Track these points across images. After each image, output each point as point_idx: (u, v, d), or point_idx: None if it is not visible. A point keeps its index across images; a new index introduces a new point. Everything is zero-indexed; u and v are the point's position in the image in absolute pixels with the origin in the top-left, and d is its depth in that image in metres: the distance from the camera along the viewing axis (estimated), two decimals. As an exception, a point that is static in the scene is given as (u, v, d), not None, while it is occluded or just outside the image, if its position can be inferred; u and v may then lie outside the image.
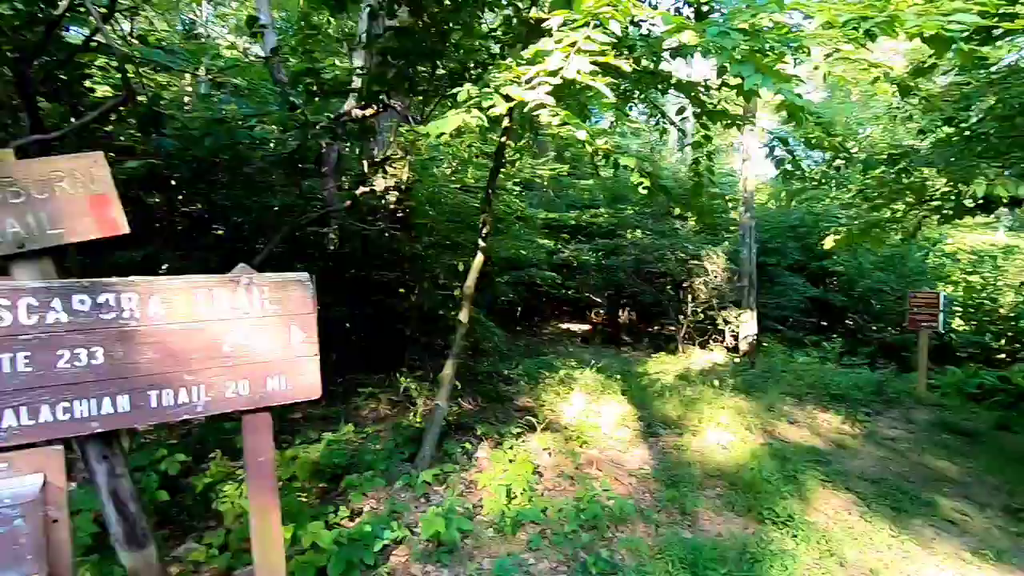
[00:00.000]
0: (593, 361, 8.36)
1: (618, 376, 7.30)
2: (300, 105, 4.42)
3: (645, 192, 3.26)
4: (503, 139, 4.03)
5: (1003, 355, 11.14)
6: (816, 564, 3.32)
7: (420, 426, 4.50)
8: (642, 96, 4.84)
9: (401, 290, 5.69)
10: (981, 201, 5.27)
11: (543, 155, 12.25)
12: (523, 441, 4.66)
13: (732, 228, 11.04)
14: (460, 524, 3.18)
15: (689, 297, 9.84)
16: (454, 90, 2.29)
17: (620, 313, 14.66)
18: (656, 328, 12.77)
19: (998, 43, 3.03)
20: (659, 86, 4.21)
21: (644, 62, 3.70)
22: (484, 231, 4.17)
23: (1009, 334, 11.01)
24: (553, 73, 1.96)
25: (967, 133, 5.12)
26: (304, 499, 3.62)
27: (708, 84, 3.47)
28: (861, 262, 11.32)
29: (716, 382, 7.41)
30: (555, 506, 3.62)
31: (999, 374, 9.55)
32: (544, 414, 5.73)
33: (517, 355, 8.76)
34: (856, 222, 6.23)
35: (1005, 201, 4.05)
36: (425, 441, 4.13)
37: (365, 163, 4.89)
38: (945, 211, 5.22)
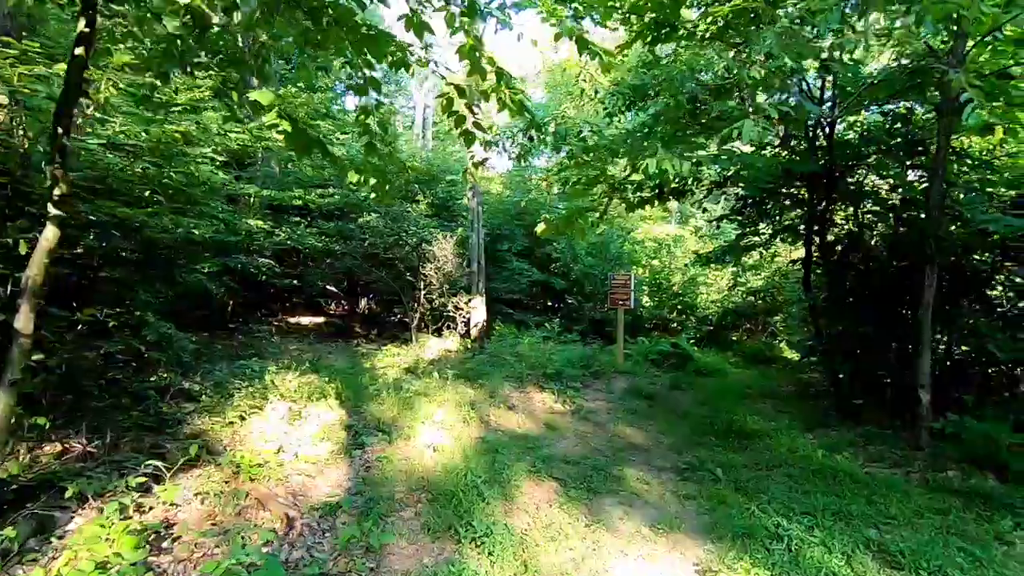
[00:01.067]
0: (309, 361, 7.18)
1: (332, 377, 6.27)
2: None
3: (284, 137, 2.29)
4: (78, 50, 2.60)
5: (675, 325, 13.56)
6: (509, 585, 2.87)
7: (-52, 503, 2.77)
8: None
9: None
10: (656, 191, 5.78)
11: (256, 118, 10.37)
12: (157, 492, 3.29)
13: (465, 214, 10.92)
14: None
15: (422, 284, 9.32)
16: None
17: (358, 303, 13.57)
18: (396, 317, 12.08)
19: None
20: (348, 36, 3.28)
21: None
22: (56, 193, 2.68)
23: (679, 307, 13.41)
24: None
25: (647, 129, 5.55)
26: None
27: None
28: (575, 248, 12.41)
29: (441, 373, 6.97)
30: (170, 594, 2.46)
31: (672, 341, 11.47)
32: (219, 439, 4.39)
33: (216, 361, 7.03)
34: (563, 211, 6.40)
35: (672, 183, 4.31)
36: (-53, 530, 2.49)
37: None
38: (629, 199, 5.54)
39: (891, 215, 5.76)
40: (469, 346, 9.05)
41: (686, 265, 13.50)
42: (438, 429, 5.07)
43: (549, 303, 13.15)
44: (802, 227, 6.22)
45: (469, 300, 9.19)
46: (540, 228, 5.72)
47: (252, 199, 9.83)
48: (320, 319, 12.74)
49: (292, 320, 12.23)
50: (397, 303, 10.46)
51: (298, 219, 10.91)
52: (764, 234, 7.48)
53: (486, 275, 9.28)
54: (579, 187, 5.24)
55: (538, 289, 12.64)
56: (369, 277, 10.25)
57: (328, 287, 12.51)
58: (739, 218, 6.91)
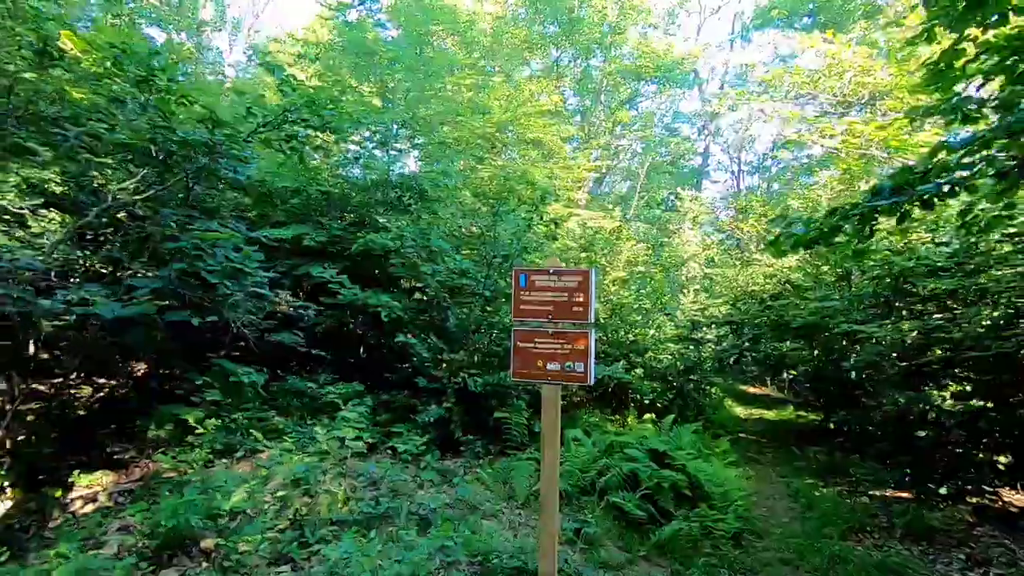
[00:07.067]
0: None
1: None
2: None
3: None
4: None
5: (615, 401, 6.89)
6: None
7: None
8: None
9: None
10: None
11: None
12: None
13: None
14: None
15: None
16: None
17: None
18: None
19: None
20: None
21: None
22: None
23: (629, 355, 6.92)
24: None
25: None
26: None
27: None
28: (426, 231, 5.32)
29: None
30: None
31: (642, 438, 4.93)
32: None
33: None
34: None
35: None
36: None
37: None
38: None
39: None
40: None
41: (637, 278, 7.15)
42: None
43: (375, 349, 5.87)
44: None
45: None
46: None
47: None
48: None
49: None
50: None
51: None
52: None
53: None
54: None
55: (351, 324, 5.43)
56: None
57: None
58: None
